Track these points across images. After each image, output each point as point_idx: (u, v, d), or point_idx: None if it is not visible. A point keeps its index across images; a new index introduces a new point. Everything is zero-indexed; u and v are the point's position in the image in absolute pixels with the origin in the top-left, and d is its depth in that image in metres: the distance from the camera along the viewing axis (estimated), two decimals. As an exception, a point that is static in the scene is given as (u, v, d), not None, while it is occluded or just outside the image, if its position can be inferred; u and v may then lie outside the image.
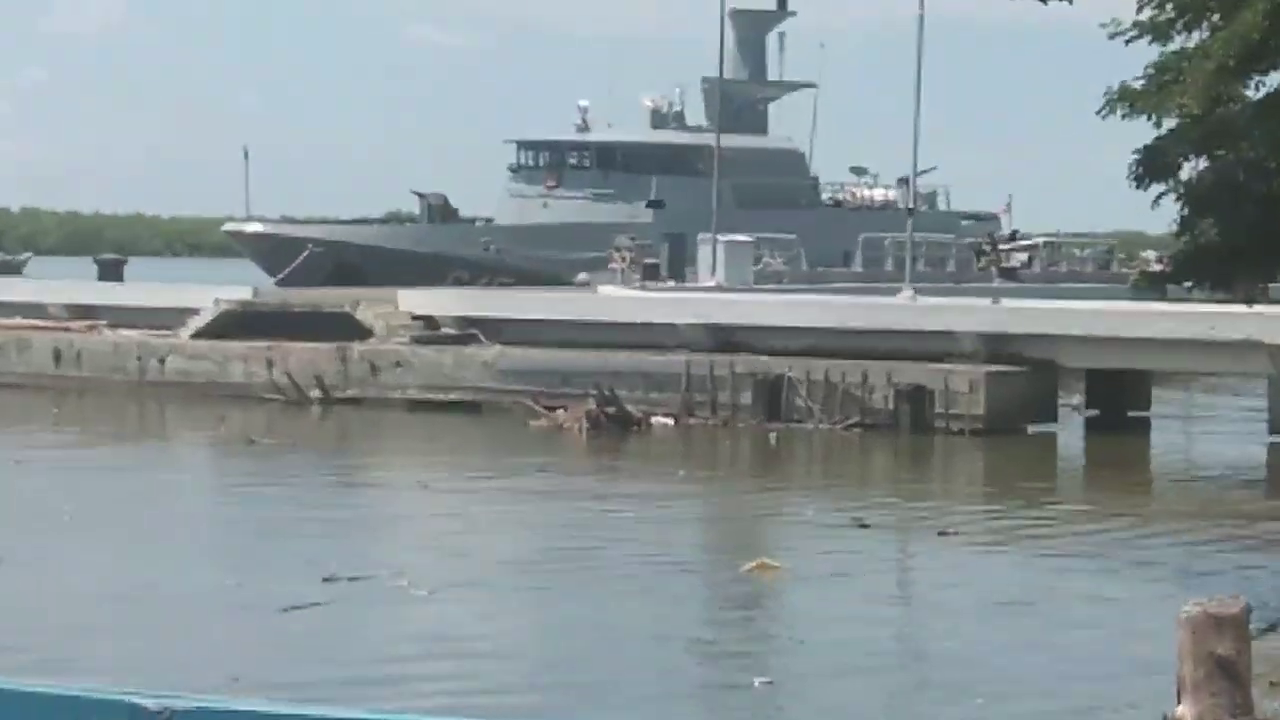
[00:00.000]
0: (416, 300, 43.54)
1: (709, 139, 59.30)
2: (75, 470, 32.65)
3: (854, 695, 16.07)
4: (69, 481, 30.70)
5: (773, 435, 35.65)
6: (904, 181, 59.30)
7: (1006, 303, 42.51)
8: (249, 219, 69.95)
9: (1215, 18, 21.98)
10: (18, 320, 46.06)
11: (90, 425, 39.89)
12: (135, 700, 5.67)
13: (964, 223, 73.76)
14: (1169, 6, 22.86)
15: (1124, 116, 23.73)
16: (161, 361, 41.83)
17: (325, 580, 20.16)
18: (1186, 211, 24.46)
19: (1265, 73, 22.39)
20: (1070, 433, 38.03)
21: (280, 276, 61.88)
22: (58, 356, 42.95)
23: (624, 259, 54.64)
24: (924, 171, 56.23)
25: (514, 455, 34.33)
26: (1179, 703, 7.04)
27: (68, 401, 42.48)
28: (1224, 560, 23.92)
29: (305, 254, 63.98)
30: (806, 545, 25.30)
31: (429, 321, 42.08)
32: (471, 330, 41.00)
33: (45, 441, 36.22)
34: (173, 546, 24.36)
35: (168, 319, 44.24)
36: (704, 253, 51.61)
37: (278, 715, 5.74)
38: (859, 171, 77.78)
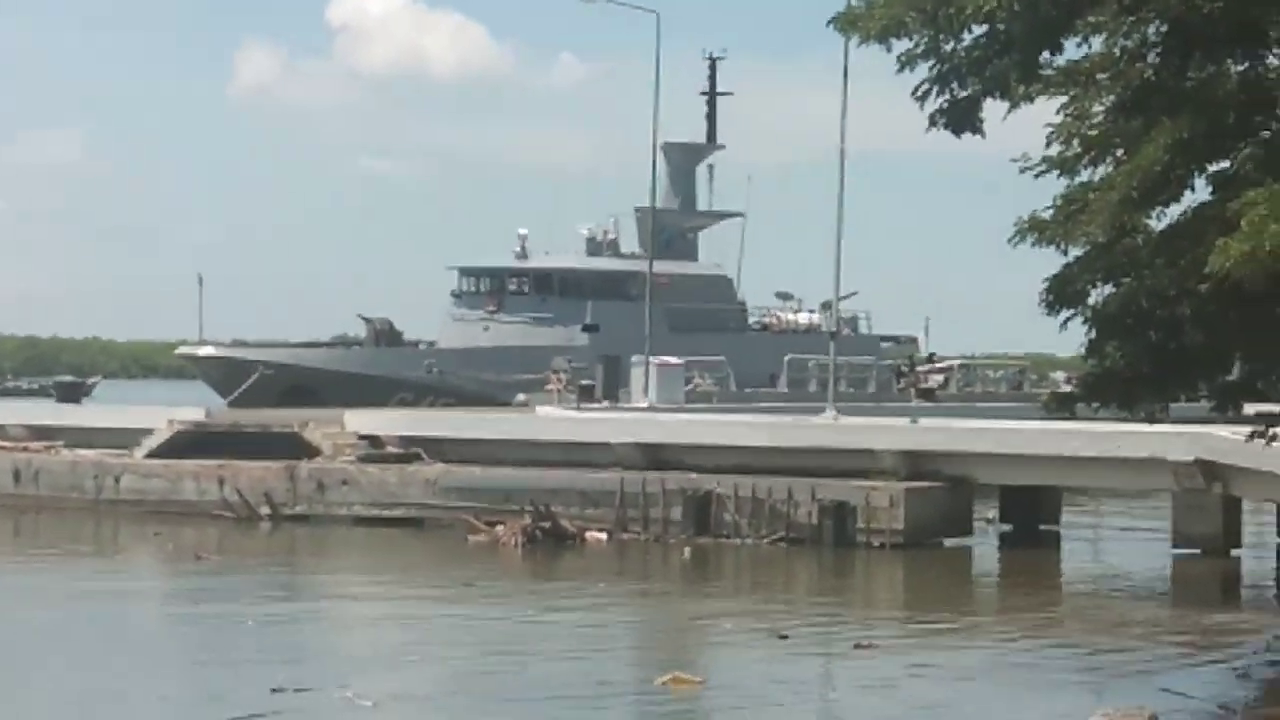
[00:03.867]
0: (362, 420, 42.49)
1: (642, 265, 59.19)
2: (22, 589, 31.29)
3: None
4: (13, 600, 29.40)
5: (686, 550, 34.74)
6: (827, 306, 57.66)
7: (924, 422, 42.30)
8: (202, 342, 68.30)
9: (1119, 153, 20.83)
10: None
11: (46, 542, 38.76)
12: None
13: (884, 345, 73.16)
14: (1075, 143, 21.35)
15: (1034, 245, 21.86)
16: (117, 480, 40.95)
17: (273, 691, 19.55)
18: (1094, 335, 22.59)
19: (1166, 204, 21.16)
20: (985, 546, 38.02)
21: (232, 397, 61.04)
22: (17, 475, 42.18)
23: (560, 381, 53.68)
24: (845, 297, 54.05)
25: (453, 569, 34.42)
26: None
27: (25, 519, 41.20)
28: (1131, 671, 23.61)
29: (256, 376, 61.50)
30: (726, 657, 25.40)
31: (374, 440, 41.11)
32: (415, 449, 40.21)
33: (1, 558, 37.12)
34: (123, 659, 23.49)
35: (124, 439, 43.10)
36: (637, 374, 50.98)
37: None
38: (784, 296, 75.67)
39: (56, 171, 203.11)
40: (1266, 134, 19.45)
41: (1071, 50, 21.27)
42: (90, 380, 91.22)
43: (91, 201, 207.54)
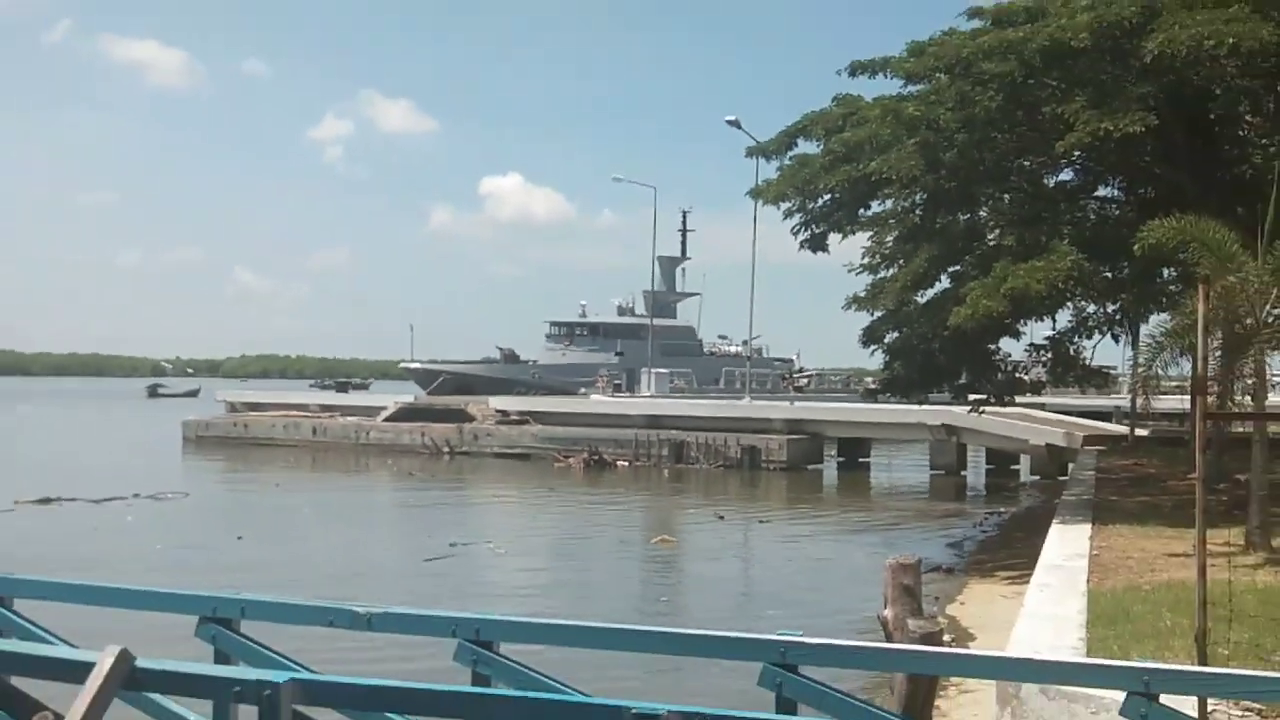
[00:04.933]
0: (498, 402, 56.00)
1: (646, 321, 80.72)
2: (315, 490, 40.52)
3: (712, 607, 20.13)
4: (310, 495, 38.18)
5: (666, 472, 45.24)
6: (746, 342, 74.96)
7: (798, 404, 54.49)
8: (413, 360, 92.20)
9: (901, 262, 27.79)
10: (295, 412, 59.61)
11: (328, 467, 48.64)
12: (352, 608, 6.97)
13: (775, 363, 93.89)
14: (877, 257, 28.77)
15: (856, 309, 28.35)
16: (367, 433, 55.37)
17: (450, 545, 26.12)
18: (888, 358, 28.88)
19: (926, 290, 27.48)
20: (830, 469, 47.48)
21: (429, 390, 78.35)
22: (314, 430, 56.12)
23: (604, 381, 73.29)
24: (755, 338, 74.79)
25: (546, 482, 42.47)
26: (884, 608, 8.01)
27: (318, 456, 52.12)
28: (912, 531, 30.57)
29: (441, 379, 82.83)
30: (690, 528, 31.69)
31: (504, 413, 53.77)
32: (526, 417, 52.96)
33: (301, 475, 44.73)
34: (368, 529, 30.30)
35: (370, 411, 58.16)
36: (645, 378, 68.57)
37: (440, 617, 6.87)
38: (723, 337, 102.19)
39: (332, 274, 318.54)
40: (979, 253, 25.67)
41: (875, 207, 28.09)
42: (356, 380, 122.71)
43: (351, 288, 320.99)
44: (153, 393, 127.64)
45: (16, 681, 6.15)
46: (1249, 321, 15.26)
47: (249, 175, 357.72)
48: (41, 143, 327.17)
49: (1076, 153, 24.37)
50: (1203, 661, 8.22)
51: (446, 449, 52.85)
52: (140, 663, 5.10)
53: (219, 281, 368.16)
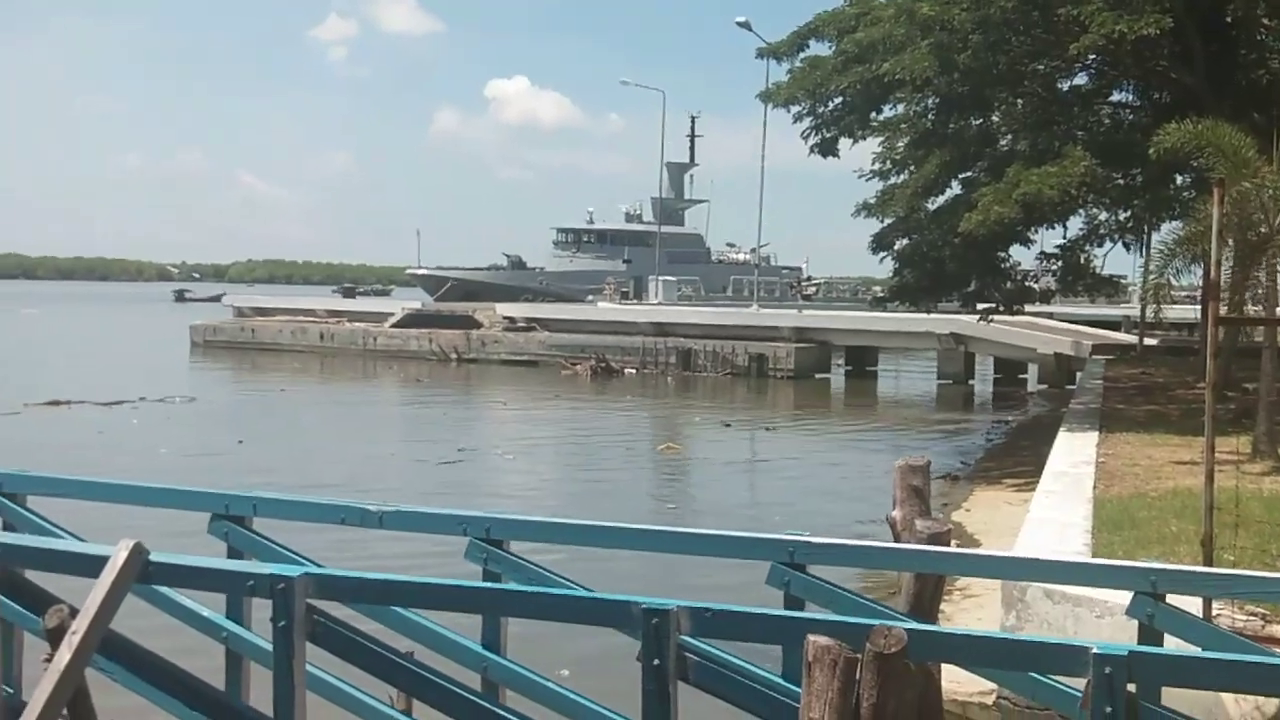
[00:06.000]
0: (505, 309, 56.23)
1: (654, 228, 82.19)
2: (322, 395, 41.01)
3: (718, 512, 20.18)
4: (317, 401, 38.74)
5: (672, 380, 45.72)
6: (754, 250, 76.53)
7: (806, 312, 54.48)
8: (420, 267, 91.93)
9: (911, 168, 27.42)
10: (302, 317, 59.69)
11: (335, 372, 48.96)
12: (363, 506, 7.05)
13: (783, 271, 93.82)
14: (888, 162, 28.18)
15: (866, 216, 27.85)
16: (375, 340, 55.56)
17: (459, 450, 26.40)
18: (897, 266, 28.58)
19: (937, 197, 27.08)
20: (837, 378, 47.80)
21: (436, 296, 77.90)
22: (321, 336, 56.54)
23: (612, 289, 72.84)
24: (763, 245, 76.40)
25: (553, 388, 42.62)
26: (893, 508, 7.81)
27: (326, 361, 52.60)
28: (919, 439, 30.72)
29: (448, 285, 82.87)
30: (696, 435, 31.90)
31: (511, 320, 53.99)
32: (533, 324, 53.08)
33: (309, 380, 45.17)
34: (376, 435, 30.22)
35: (378, 318, 58.37)
36: (652, 286, 67.84)
37: (451, 515, 7.04)
38: (730, 245, 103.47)
39: (337, 178, 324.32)
40: (991, 158, 25.65)
41: (887, 112, 27.82)
42: (377, 287, 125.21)
43: (357, 193, 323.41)
44: (180, 297, 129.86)
45: (31, 576, 6.23)
46: (1263, 229, 15.16)
47: (250, 78, 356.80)
48: (39, 49, 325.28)
49: (1091, 56, 24.12)
50: (1208, 565, 8.26)
51: (454, 355, 53.07)
52: (154, 557, 5.13)
53: (223, 186, 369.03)
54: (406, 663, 5.44)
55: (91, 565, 5.02)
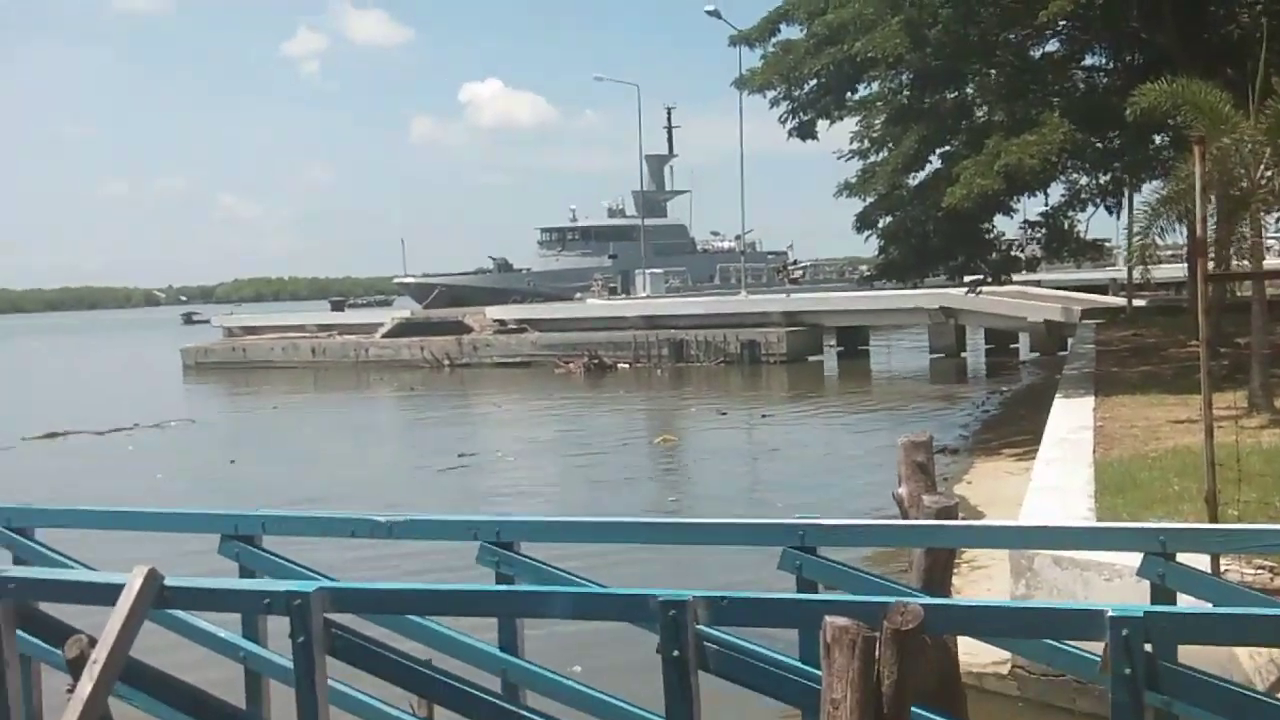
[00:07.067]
0: (495, 311, 55.87)
1: (637, 222, 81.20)
2: (317, 410, 40.83)
3: (721, 501, 20.19)
4: (313, 415, 38.54)
5: (665, 372, 45.74)
6: (738, 237, 76.30)
7: (794, 296, 54.48)
8: (407, 275, 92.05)
9: (890, 145, 27.43)
10: (293, 333, 59.93)
11: (329, 386, 48.93)
12: (373, 518, 7.07)
13: (769, 256, 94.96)
14: (866, 141, 28.26)
15: (848, 196, 27.94)
16: (366, 350, 55.56)
17: (459, 456, 26.35)
18: (882, 243, 28.78)
19: (917, 172, 27.27)
20: (830, 360, 47.89)
21: (424, 304, 77.17)
22: (313, 350, 56.51)
23: (600, 285, 73.16)
24: (747, 232, 76.32)
25: (547, 388, 42.83)
26: (899, 485, 7.90)
27: (319, 375, 52.44)
28: (916, 415, 30.71)
29: (436, 291, 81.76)
30: (692, 425, 31.67)
31: (502, 322, 53.84)
32: (524, 325, 53.07)
33: (303, 396, 45.12)
34: (375, 446, 30.36)
35: (368, 329, 58.28)
36: (640, 280, 68.72)
37: (461, 521, 7.05)
38: (715, 234, 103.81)
39: (318, 193, 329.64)
40: (969, 130, 25.42)
41: (862, 91, 27.81)
42: (379, 298, 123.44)
43: (338, 205, 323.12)
44: (188, 320, 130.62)
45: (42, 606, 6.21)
46: (1244, 184, 15.20)
47: (226, 96, 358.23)
48: (15, 78, 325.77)
49: (1061, 21, 24.25)
50: (1214, 521, 8.29)
51: (446, 361, 53.04)
52: (169, 581, 5.14)
53: (205, 208, 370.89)
54: (426, 670, 5.44)
55: (108, 594, 5.03)
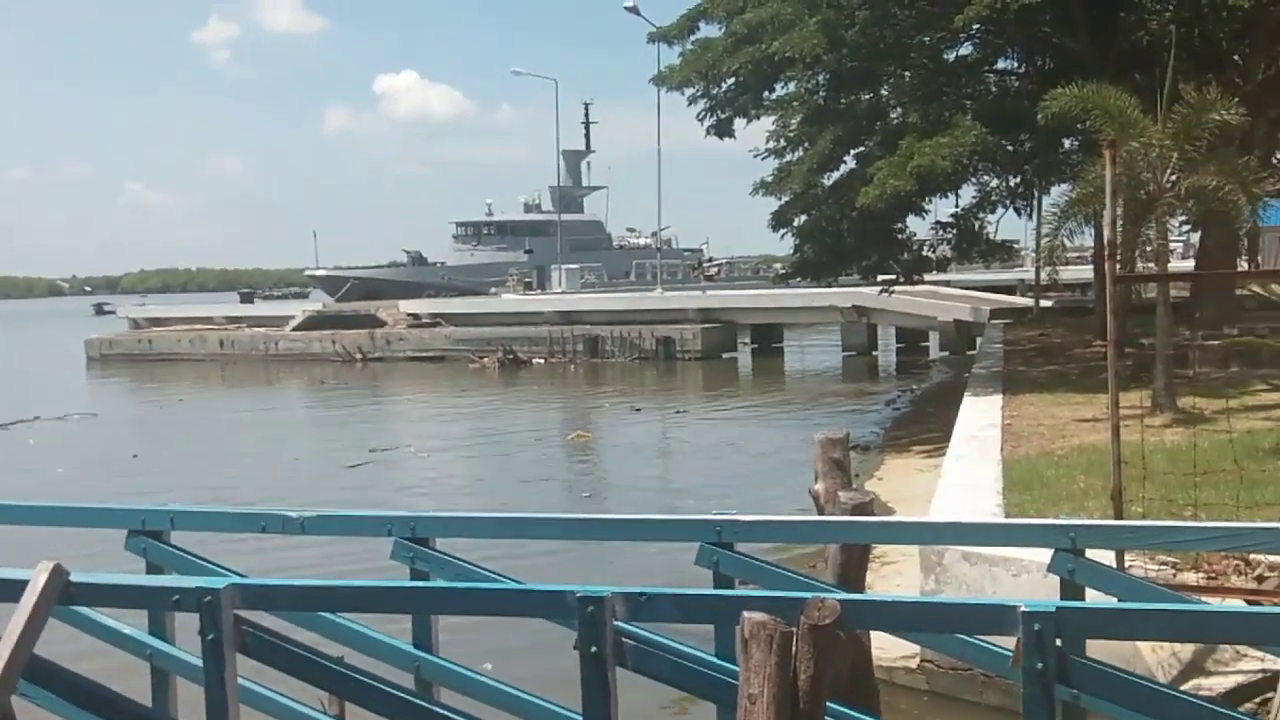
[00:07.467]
0: (408, 305, 55.58)
1: (554, 217, 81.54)
2: (225, 403, 40.18)
3: (634, 498, 20.05)
4: (220, 409, 37.91)
5: (579, 368, 45.70)
6: (655, 234, 77.55)
7: (710, 293, 54.99)
8: (318, 268, 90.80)
9: (806, 145, 27.49)
10: (200, 325, 58.46)
11: (237, 379, 48.13)
12: (284, 513, 6.94)
13: (685, 253, 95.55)
14: (782, 140, 28.23)
15: (764, 195, 27.92)
16: (276, 344, 54.55)
17: (370, 451, 26.10)
18: (797, 242, 28.67)
19: (832, 172, 27.42)
20: (744, 356, 48.31)
21: (336, 297, 76.25)
22: (221, 343, 55.38)
23: (515, 280, 73.01)
24: (664, 228, 77.74)
25: (460, 383, 42.45)
26: (815, 482, 7.93)
27: (227, 368, 51.80)
28: (828, 413, 30.97)
29: (348, 285, 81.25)
30: (606, 421, 31.84)
31: (415, 317, 53.49)
32: (438, 319, 52.62)
33: (210, 389, 44.50)
34: (284, 440, 29.74)
35: (278, 321, 57.41)
36: (555, 275, 68.34)
37: (375, 517, 7.00)
38: (631, 230, 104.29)
39: (228, 183, 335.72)
40: (883, 131, 25.53)
41: (779, 90, 27.88)
42: (295, 290, 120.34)
43: (249, 196, 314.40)
44: (99, 310, 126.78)
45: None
46: (1150, 187, 15.53)
47: (134, 85, 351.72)
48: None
49: (975, 25, 24.57)
50: (1119, 518, 8.46)
51: (359, 355, 52.42)
52: (75, 577, 5.01)
53: (112, 196, 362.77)
54: (338, 667, 5.36)
55: (11, 590, 4.88)
